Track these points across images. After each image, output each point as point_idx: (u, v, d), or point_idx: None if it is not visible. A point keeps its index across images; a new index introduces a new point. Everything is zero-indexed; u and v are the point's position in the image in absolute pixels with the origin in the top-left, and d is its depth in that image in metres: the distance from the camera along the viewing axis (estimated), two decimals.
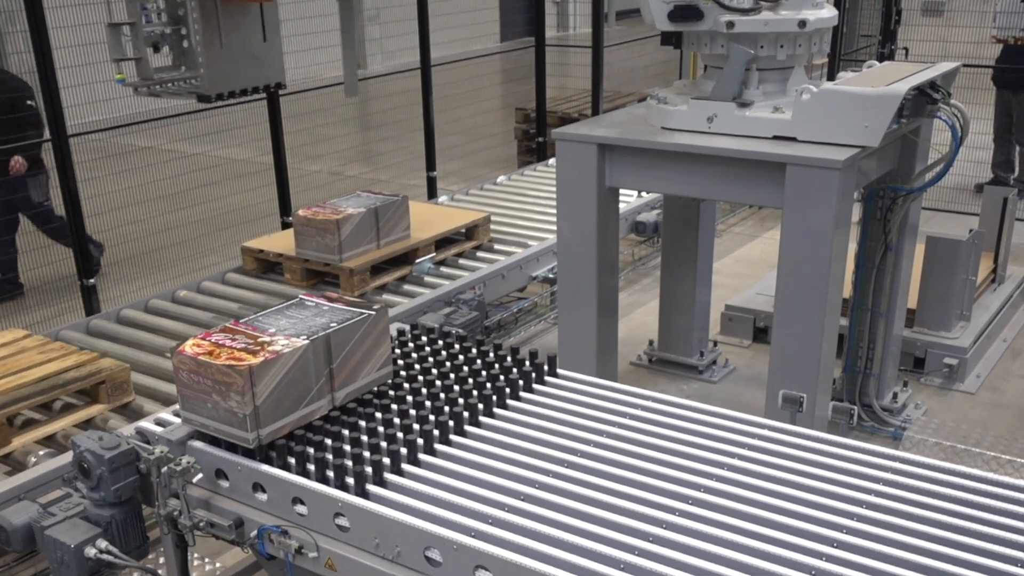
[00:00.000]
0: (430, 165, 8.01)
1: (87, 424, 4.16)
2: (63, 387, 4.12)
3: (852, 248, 4.43)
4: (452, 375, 3.19)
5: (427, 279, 5.57)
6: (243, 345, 2.78)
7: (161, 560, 3.19)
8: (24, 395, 4.01)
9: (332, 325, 2.90)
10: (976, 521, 2.36)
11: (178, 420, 2.96)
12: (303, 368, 2.79)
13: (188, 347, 2.79)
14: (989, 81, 8.60)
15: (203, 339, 2.85)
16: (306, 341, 2.80)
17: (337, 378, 2.90)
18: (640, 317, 6.35)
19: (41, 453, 3.84)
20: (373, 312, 3.00)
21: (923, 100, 3.93)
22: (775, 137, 3.94)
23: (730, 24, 4.02)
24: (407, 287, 5.51)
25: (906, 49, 8.83)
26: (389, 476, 2.64)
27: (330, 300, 3.13)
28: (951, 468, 2.61)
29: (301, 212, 5.37)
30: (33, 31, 5.20)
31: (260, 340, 2.81)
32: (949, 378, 5.35)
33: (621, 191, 4.63)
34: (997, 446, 4.56)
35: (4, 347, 4.44)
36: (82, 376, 4.17)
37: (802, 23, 3.96)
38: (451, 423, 2.87)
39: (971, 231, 5.54)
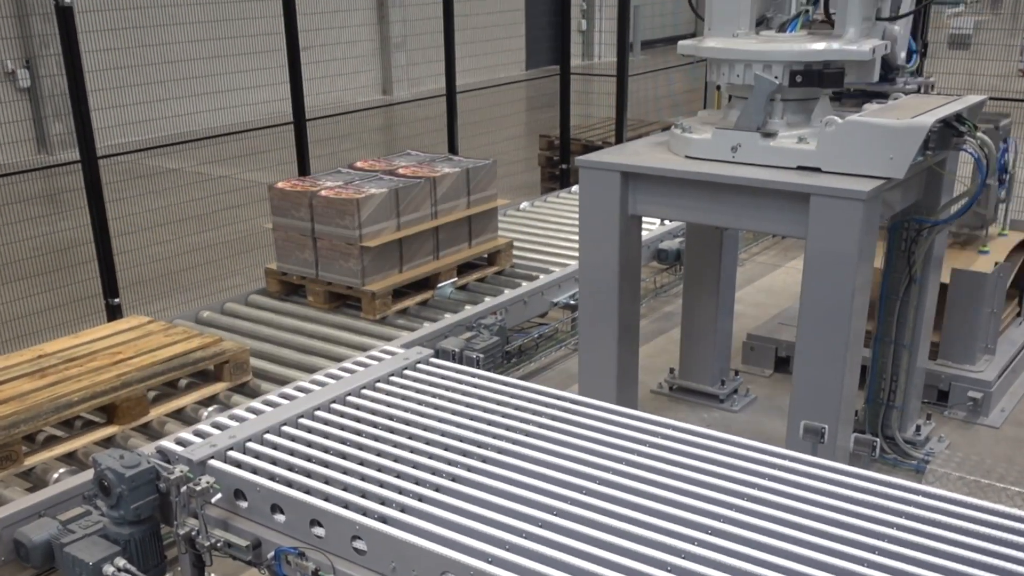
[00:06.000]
0: None
1: (211, 400, 4.49)
2: (192, 365, 4.46)
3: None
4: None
5: (448, 303, 5.58)
6: None
7: None
8: (159, 371, 4.35)
9: None
10: (1000, 558, 2.33)
11: (198, 440, 2.97)
12: None
13: None
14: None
15: None
16: None
17: None
18: (661, 345, 6.33)
19: (62, 471, 3.86)
20: None
21: (949, 132, 3.91)
22: (799, 167, 3.93)
23: None
24: (428, 311, 5.53)
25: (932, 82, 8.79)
26: (407, 500, 2.64)
27: None
28: (975, 503, 2.58)
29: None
30: (66, 55, 5.30)
31: None
32: (973, 412, 5.29)
33: (644, 219, 4.63)
34: (1022, 481, 4.49)
35: (133, 330, 4.81)
36: (208, 356, 4.51)
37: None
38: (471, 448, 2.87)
39: (996, 264, 5.49)
